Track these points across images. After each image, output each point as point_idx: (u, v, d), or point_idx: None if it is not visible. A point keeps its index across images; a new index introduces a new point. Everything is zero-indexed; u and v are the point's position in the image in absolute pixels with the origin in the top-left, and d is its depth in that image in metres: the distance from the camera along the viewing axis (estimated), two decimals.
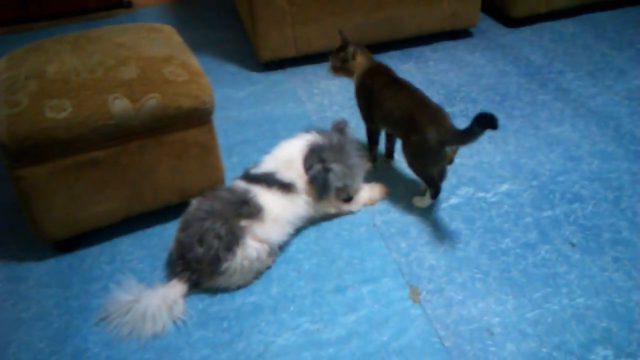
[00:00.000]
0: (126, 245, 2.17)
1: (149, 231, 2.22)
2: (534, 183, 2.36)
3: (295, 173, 2.09)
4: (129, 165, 2.05)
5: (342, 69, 2.33)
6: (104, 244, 2.18)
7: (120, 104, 1.94)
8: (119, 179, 2.06)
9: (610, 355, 1.69)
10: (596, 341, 1.73)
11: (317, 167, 2.07)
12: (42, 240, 2.12)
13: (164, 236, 2.17)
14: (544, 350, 1.72)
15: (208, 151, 2.17)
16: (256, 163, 2.17)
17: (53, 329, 1.89)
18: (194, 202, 2.03)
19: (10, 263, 2.15)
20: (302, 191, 2.09)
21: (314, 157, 2.10)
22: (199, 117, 2.08)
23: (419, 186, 2.35)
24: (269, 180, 2.05)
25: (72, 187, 2.00)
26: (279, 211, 2.02)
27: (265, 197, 2.01)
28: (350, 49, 2.26)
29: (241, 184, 2.06)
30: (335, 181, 2.11)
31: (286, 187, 2.05)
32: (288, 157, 2.13)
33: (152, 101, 1.97)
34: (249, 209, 1.96)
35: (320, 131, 2.22)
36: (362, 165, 2.21)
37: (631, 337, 1.73)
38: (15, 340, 1.86)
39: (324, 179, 2.08)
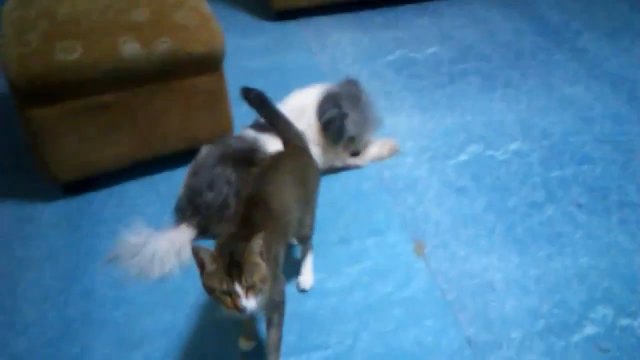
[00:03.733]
0: (135, 190, 2.19)
1: (158, 177, 2.23)
2: (544, 143, 2.34)
3: (305, 122, 2.08)
4: (139, 110, 2.05)
5: None
6: (112, 188, 2.20)
7: (130, 48, 1.92)
8: (129, 124, 2.06)
9: (610, 314, 1.71)
10: (597, 300, 1.75)
11: (334, 111, 2.07)
12: (51, 182, 2.13)
13: (173, 182, 2.18)
14: (545, 306, 1.74)
15: (218, 99, 2.16)
16: None
17: (62, 268, 1.93)
18: (204, 149, 2.03)
19: (20, 203, 2.17)
20: (310, 142, 2.08)
21: (331, 102, 2.09)
22: (209, 64, 2.07)
23: (429, 140, 2.34)
24: None
25: (82, 129, 2.01)
26: None
27: (274, 146, 2.01)
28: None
29: (251, 133, 2.05)
30: (350, 128, 2.10)
31: None
32: (300, 105, 2.12)
33: (162, 46, 1.95)
34: (258, 157, 1.96)
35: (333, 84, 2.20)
36: (374, 119, 2.20)
37: (632, 298, 1.75)
38: (24, 279, 1.90)
39: (340, 124, 2.07)
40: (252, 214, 1.44)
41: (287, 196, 1.57)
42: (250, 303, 1.26)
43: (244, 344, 1.63)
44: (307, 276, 1.81)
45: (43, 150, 2.01)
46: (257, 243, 1.28)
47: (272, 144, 2.00)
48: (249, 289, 1.26)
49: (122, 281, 1.87)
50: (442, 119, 2.49)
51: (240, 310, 1.25)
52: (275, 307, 1.47)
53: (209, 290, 1.27)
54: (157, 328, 1.74)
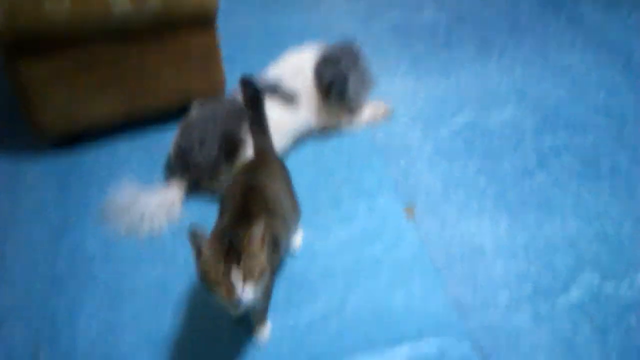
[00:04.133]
0: (125, 147, 2.17)
1: (149, 135, 2.21)
2: (538, 110, 2.34)
3: (301, 82, 2.06)
4: (130, 66, 2.02)
5: None
6: (103, 144, 2.18)
7: (121, 2, 1.88)
8: (120, 80, 2.03)
9: (596, 278, 1.72)
10: (584, 265, 1.76)
11: (336, 72, 2.05)
12: (40, 137, 2.11)
13: (163, 140, 2.15)
14: (533, 271, 1.75)
15: (210, 57, 2.13)
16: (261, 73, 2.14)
17: (51, 225, 1.92)
18: (194, 110, 2.01)
19: (8, 158, 2.15)
20: (305, 101, 2.07)
21: (332, 64, 2.07)
22: (202, 21, 2.04)
23: (422, 105, 2.34)
24: (272, 90, 2.02)
25: (71, 84, 1.98)
26: (280, 120, 2.00)
27: (267, 105, 1.99)
28: None
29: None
30: (351, 89, 2.08)
31: (289, 97, 2.03)
32: (296, 65, 2.10)
33: (153, 1, 1.92)
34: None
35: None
36: (370, 81, 2.18)
37: (618, 264, 1.76)
38: (13, 235, 1.89)
39: (341, 86, 2.06)
40: (250, 205, 1.41)
41: (279, 187, 1.56)
42: (246, 294, 1.20)
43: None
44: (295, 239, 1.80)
45: (32, 105, 1.98)
46: (258, 230, 1.24)
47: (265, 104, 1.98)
48: (247, 278, 1.20)
49: (111, 238, 1.86)
50: (436, 84, 2.48)
51: (235, 301, 1.19)
52: (266, 298, 1.45)
53: (204, 278, 1.22)
54: (146, 284, 1.74)
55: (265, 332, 1.58)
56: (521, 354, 1.55)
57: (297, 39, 2.62)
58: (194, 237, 1.23)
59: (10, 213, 1.95)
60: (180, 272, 1.76)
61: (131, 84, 2.05)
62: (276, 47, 2.35)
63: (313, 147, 2.17)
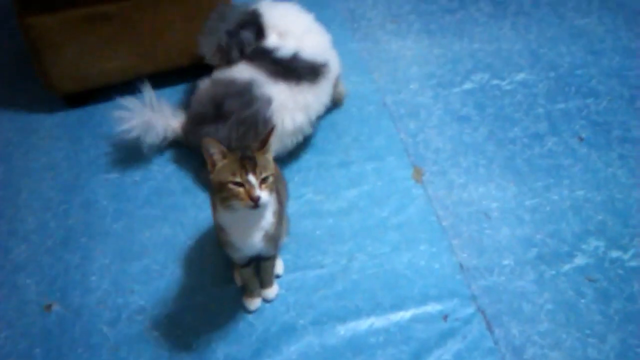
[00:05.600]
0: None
1: (159, 92, 2.20)
2: (551, 74, 2.31)
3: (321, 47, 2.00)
4: (142, 23, 2.00)
5: None
6: (113, 102, 2.17)
7: None
8: (131, 36, 2.02)
9: (601, 246, 1.74)
10: (590, 232, 1.77)
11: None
12: (51, 93, 2.12)
13: (174, 99, 2.16)
14: (538, 236, 1.76)
15: None
16: None
17: (62, 179, 1.94)
18: (202, 84, 1.96)
19: (20, 114, 2.16)
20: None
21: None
22: None
23: (434, 66, 2.31)
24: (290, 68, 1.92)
25: (83, 40, 1.97)
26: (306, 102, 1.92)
27: (271, 89, 1.88)
28: None
29: (245, 71, 1.90)
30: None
31: (314, 71, 1.92)
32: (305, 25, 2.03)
33: None
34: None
35: None
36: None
37: (624, 231, 1.77)
38: (25, 188, 1.92)
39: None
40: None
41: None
42: (264, 194, 1.25)
43: (250, 303, 1.60)
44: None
45: (43, 60, 1.98)
46: (267, 136, 1.28)
47: (269, 88, 1.86)
48: (263, 181, 1.25)
49: (122, 193, 1.89)
50: (449, 45, 2.44)
51: (255, 199, 1.23)
52: (276, 244, 1.47)
53: (219, 185, 1.26)
54: (156, 241, 1.77)
55: (273, 293, 1.62)
56: (525, 317, 1.58)
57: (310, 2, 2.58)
58: (207, 146, 1.26)
59: (24, 167, 1.98)
60: (190, 231, 1.79)
61: (143, 40, 2.04)
62: None
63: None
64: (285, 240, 1.69)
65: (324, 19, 2.10)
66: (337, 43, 2.10)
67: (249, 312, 1.61)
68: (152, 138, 1.91)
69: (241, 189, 1.23)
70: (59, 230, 1.80)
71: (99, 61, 2.04)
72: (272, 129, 1.30)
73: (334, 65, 1.99)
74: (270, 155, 1.30)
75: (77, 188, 1.92)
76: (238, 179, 1.23)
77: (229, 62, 1.92)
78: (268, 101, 1.81)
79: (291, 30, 1.96)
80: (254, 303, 1.61)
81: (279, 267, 1.68)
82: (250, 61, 1.90)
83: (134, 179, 1.94)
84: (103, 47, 2.01)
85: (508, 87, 2.25)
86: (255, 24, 1.93)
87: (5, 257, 1.74)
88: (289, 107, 1.84)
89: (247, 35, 1.91)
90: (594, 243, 1.75)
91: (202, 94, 1.91)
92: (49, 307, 1.63)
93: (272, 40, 1.93)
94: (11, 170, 1.97)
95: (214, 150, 1.26)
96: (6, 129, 2.11)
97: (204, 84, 1.93)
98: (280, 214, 1.43)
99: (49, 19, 1.90)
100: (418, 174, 1.95)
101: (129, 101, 1.91)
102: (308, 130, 1.94)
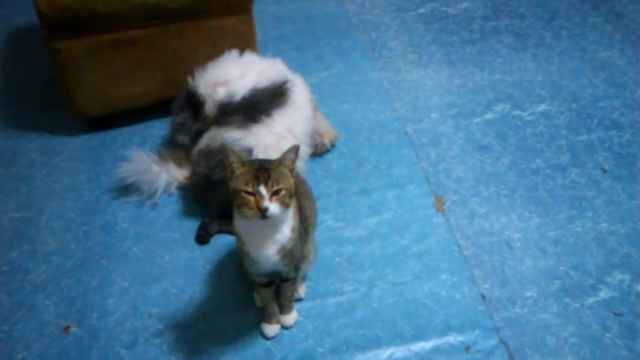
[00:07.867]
0: (157, 129, 2.19)
1: None
2: (573, 106, 2.30)
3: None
4: (166, 48, 2.03)
5: None
6: (136, 126, 2.21)
7: None
8: (155, 61, 2.05)
9: (626, 279, 1.70)
10: (614, 265, 1.74)
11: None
12: (76, 116, 2.14)
13: None
14: (562, 268, 1.74)
15: (245, 42, 2.13)
16: None
17: (84, 201, 1.95)
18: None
19: (44, 136, 2.19)
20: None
21: None
22: (239, 5, 2.04)
23: (456, 96, 2.31)
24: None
25: (108, 65, 2.00)
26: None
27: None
28: None
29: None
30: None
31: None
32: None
33: None
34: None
35: None
36: None
37: None
38: (47, 209, 1.93)
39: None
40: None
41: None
42: (273, 206, 1.27)
43: (269, 330, 1.58)
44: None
45: (69, 84, 2.01)
46: (290, 155, 1.31)
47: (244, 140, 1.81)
48: (274, 194, 1.28)
49: (143, 216, 1.89)
50: (470, 76, 2.45)
51: (262, 209, 1.26)
52: (293, 262, 1.45)
53: (234, 192, 1.30)
54: (175, 265, 1.76)
55: (292, 319, 1.60)
56: (548, 351, 1.55)
57: (332, 27, 2.62)
58: (227, 155, 1.30)
59: (46, 189, 1.99)
60: (210, 255, 1.78)
61: (167, 65, 2.07)
62: (309, 34, 2.35)
63: (344, 135, 2.17)
64: (307, 269, 1.67)
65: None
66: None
67: (268, 338, 1.59)
68: (152, 189, 1.92)
69: (252, 198, 1.28)
70: (79, 252, 1.80)
71: (123, 85, 2.07)
72: (293, 148, 1.32)
73: (298, 80, 1.97)
74: (287, 170, 1.32)
75: (98, 210, 1.92)
76: (250, 189, 1.27)
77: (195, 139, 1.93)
78: (249, 153, 1.76)
79: (232, 74, 1.91)
80: (273, 329, 1.59)
81: (301, 289, 1.66)
82: (217, 124, 1.85)
83: (154, 203, 1.94)
84: (127, 72, 2.04)
85: (529, 118, 2.25)
86: (188, 102, 1.93)
87: (25, 278, 1.74)
88: (271, 142, 1.79)
89: (181, 118, 1.93)
90: (618, 276, 1.71)
91: (194, 167, 1.90)
92: (67, 328, 1.62)
93: (221, 93, 1.88)
94: (33, 192, 1.99)
95: (233, 159, 1.31)
96: (29, 150, 2.14)
97: (193, 157, 1.92)
98: (302, 232, 1.44)
99: (76, 43, 1.94)
100: (439, 203, 1.93)
101: (134, 152, 1.93)
102: (307, 148, 1.93)
